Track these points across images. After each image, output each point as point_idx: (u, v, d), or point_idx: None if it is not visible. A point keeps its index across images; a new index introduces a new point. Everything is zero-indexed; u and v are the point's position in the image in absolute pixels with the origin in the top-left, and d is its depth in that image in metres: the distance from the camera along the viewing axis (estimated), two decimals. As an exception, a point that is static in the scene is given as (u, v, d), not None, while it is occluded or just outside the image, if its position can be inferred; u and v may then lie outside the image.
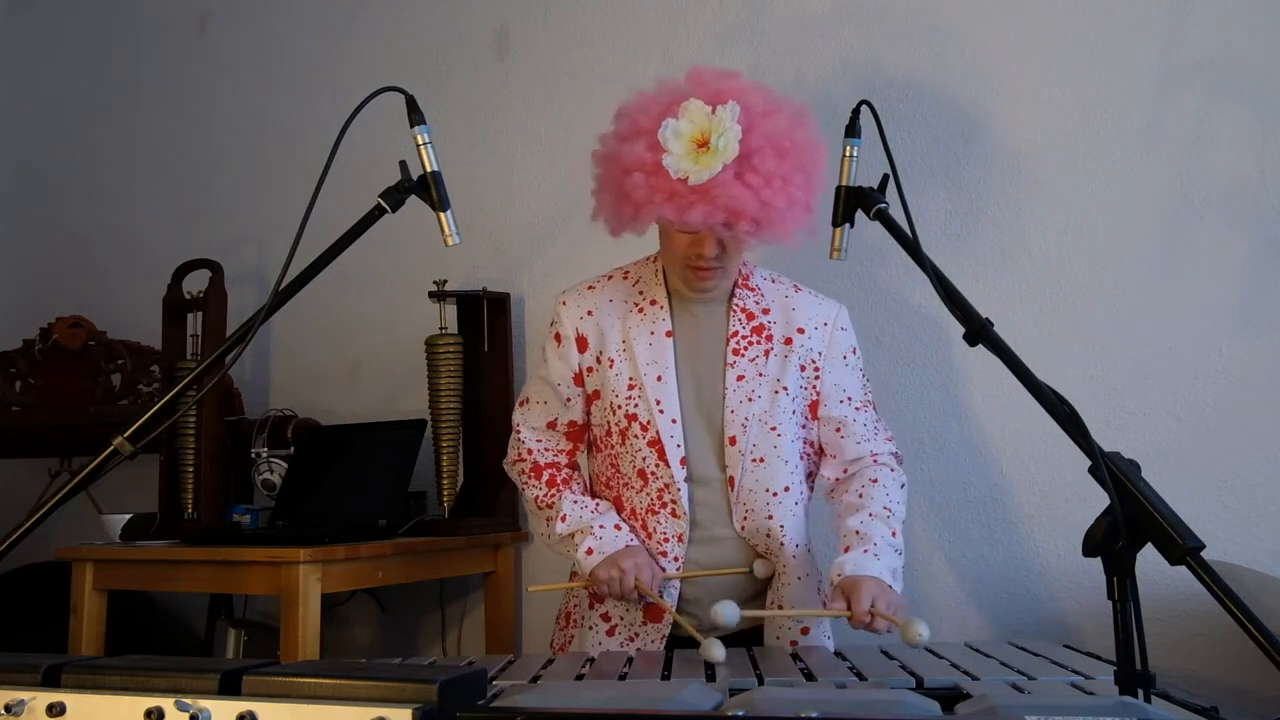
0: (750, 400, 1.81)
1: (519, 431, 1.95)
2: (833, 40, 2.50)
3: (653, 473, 1.82)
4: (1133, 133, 2.26)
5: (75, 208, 3.51)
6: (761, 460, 1.82)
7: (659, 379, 1.81)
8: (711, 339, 1.85)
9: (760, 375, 1.82)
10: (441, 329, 2.67)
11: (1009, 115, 2.35)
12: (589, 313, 1.87)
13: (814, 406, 1.87)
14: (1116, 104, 2.27)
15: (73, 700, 1.02)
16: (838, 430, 1.88)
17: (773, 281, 1.91)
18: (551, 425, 1.92)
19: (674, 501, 1.81)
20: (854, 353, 1.90)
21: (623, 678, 1.42)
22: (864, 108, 1.64)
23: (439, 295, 2.66)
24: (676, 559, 1.82)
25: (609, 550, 1.79)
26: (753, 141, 1.63)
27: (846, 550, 1.77)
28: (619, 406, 1.83)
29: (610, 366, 1.84)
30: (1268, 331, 2.16)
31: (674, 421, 1.80)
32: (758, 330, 1.84)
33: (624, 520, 1.87)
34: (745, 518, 1.82)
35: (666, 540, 1.82)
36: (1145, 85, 2.25)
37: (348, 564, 2.34)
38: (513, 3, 2.88)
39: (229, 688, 1.00)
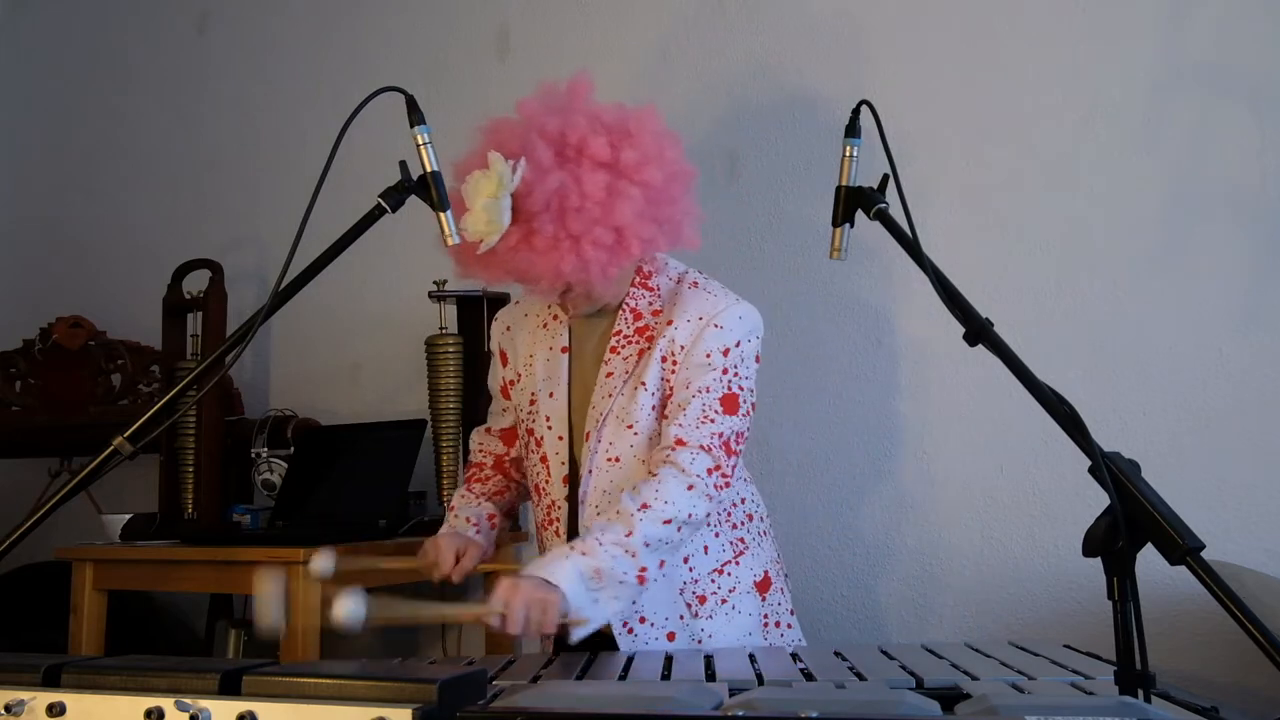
0: (609, 396, 1.75)
1: (471, 437, 2.07)
2: (832, 40, 2.50)
3: (542, 488, 1.83)
4: (1133, 133, 2.26)
5: (75, 208, 3.50)
6: (616, 460, 1.74)
7: (551, 395, 1.81)
8: (597, 345, 1.82)
9: (628, 372, 1.76)
10: (441, 329, 2.67)
11: (1009, 115, 2.35)
12: (507, 329, 1.92)
13: (665, 400, 1.74)
14: (1116, 104, 2.27)
15: (73, 700, 1.02)
16: (665, 414, 1.72)
17: (676, 281, 1.80)
18: (489, 430, 2.01)
19: (557, 520, 1.81)
20: (724, 354, 1.71)
21: (623, 678, 1.42)
22: (864, 107, 1.64)
23: (439, 295, 2.66)
24: (519, 563, 1.85)
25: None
26: (535, 202, 1.59)
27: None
28: (522, 422, 1.87)
29: (518, 382, 1.88)
30: (1268, 331, 2.15)
31: (561, 439, 1.80)
32: (641, 330, 1.77)
33: (536, 533, 1.89)
34: (585, 517, 1.74)
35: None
36: (1145, 86, 2.25)
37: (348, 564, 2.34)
38: (513, 3, 2.88)
39: (229, 688, 1.00)
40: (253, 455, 2.79)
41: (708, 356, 1.71)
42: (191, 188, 3.31)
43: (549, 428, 1.81)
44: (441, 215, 1.64)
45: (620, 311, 1.80)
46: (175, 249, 3.06)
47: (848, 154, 1.62)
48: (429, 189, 1.63)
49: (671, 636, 1.76)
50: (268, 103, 3.21)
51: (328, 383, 3.03)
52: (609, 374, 1.77)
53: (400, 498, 2.59)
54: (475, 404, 2.67)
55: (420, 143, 1.63)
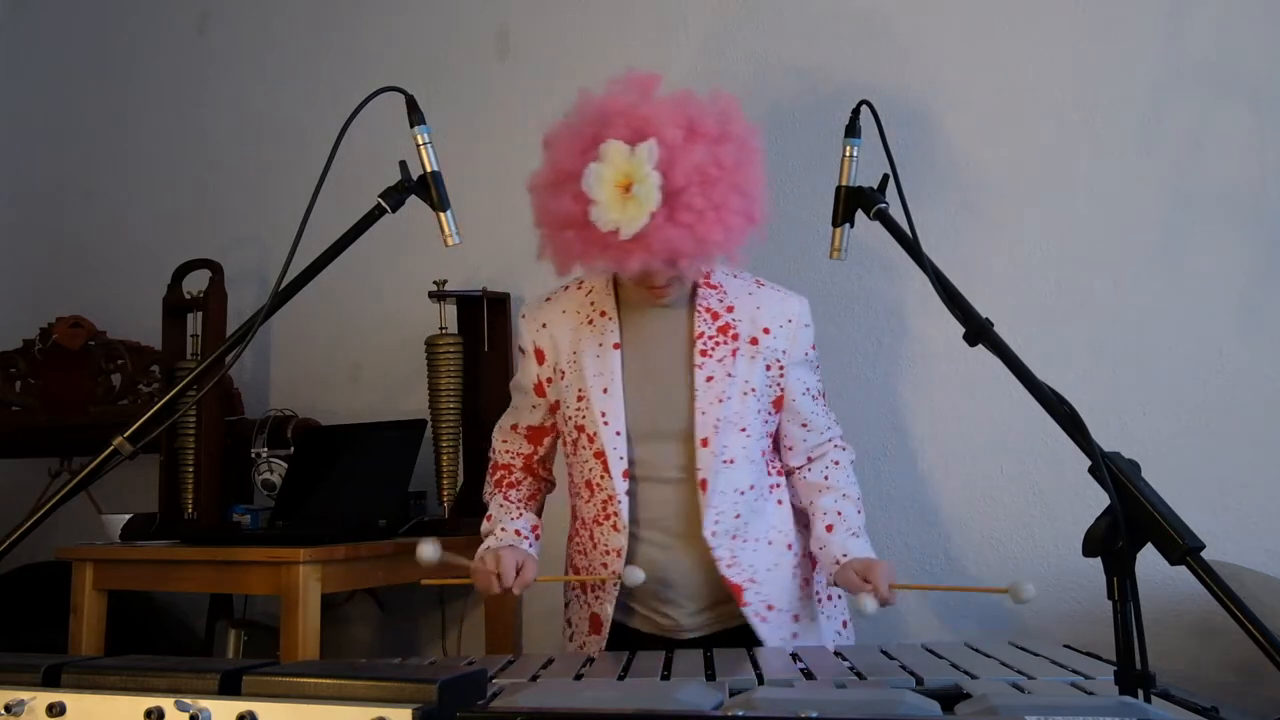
0: (721, 401, 1.80)
1: (494, 434, 2.03)
2: (832, 40, 2.50)
3: (597, 484, 1.84)
4: (1133, 133, 2.26)
5: (76, 208, 3.51)
6: (731, 461, 1.82)
7: (604, 391, 1.81)
8: (673, 343, 1.84)
9: (729, 376, 1.81)
10: (441, 329, 2.68)
11: (1010, 116, 2.35)
12: (544, 325, 1.89)
13: (778, 401, 1.88)
14: (1116, 105, 2.27)
15: (73, 700, 1.02)
16: (804, 425, 1.91)
17: (734, 277, 1.89)
18: (514, 428, 1.97)
19: (615, 514, 1.82)
20: (814, 348, 1.92)
21: (622, 678, 1.42)
22: (864, 107, 1.64)
23: (439, 295, 2.66)
24: (615, 572, 1.82)
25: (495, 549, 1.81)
26: (678, 179, 1.61)
27: (830, 529, 1.85)
28: (569, 418, 1.86)
29: (563, 379, 1.86)
30: (1268, 332, 2.15)
31: (618, 434, 1.80)
32: (724, 329, 1.83)
33: (578, 530, 1.90)
34: (717, 520, 1.81)
35: (608, 553, 1.84)
36: (1145, 86, 2.25)
37: (348, 564, 2.34)
38: (513, 3, 2.88)
39: (229, 688, 1.00)
40: (253, 455, 2.79)
41: (806, 354, 1.90)
42: (192, 188, 3.31)
43: (605, 423, 1.81)
44: (441, 215, 1.64)
45: (695, 313, 1.84)
46: (175, 249, 3.06)
47: (848, 154, 1.63)
48: (429, 189, 1.63)
49: (796, 618, 1.88)
50: (268, 103, 3.21)
51: (328, 383, 3.03)
52: (709, 378, 1.81)
53: (400, 498, 2.59)
54: (475, 404, 2.68)
55: (420, 143, 1.63)
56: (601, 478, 1.82)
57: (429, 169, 1.63)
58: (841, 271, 2.38)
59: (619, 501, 1.80)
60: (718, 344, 1.82)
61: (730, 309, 1.84)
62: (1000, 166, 2.35)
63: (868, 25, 2.47)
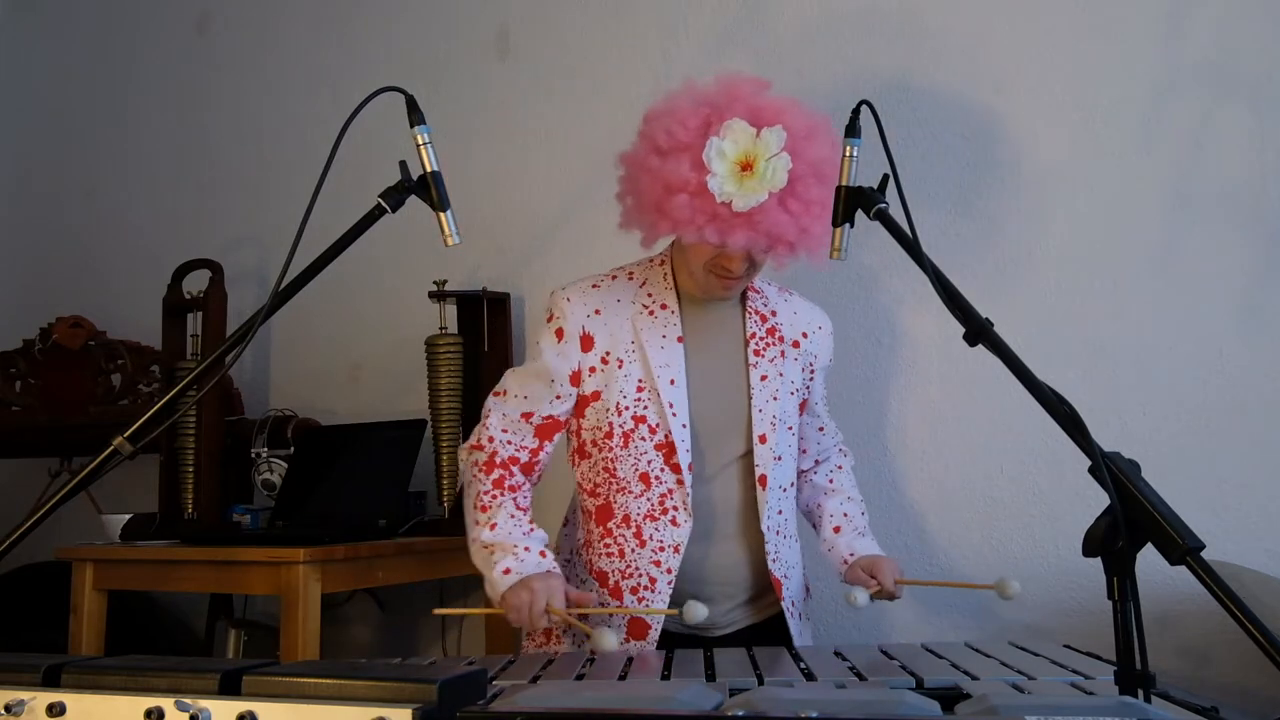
0: (775, 399, 1.85)
1: (488, 417, 1.86)
2: (832, 40, 2.50)
3: (657, 477, 1.80)
4: (1133, 133, 2.26)
5: (76, 208, 3.51)
6: (780, 459, 1.87)
7: (671, 382, 1.80)
8: (729, 341, 1.87)
9: (780, 375, 1.87)
10: (441, 329, 2.68)
11: (1009, 116, 2.35)
12: (596, 311, 1.83)
13: (803, 405, 1.96)
14: (1116, 105, 2.27)
15: (73, 700, 1.02)
16: (820, 429, 2.04)
17: (769, 285, 1.97)
18: (526, 417, 1.83)
19: (675, 509, 1.80)
20: (832, 358, 2.01)
21: (623, 678, 1.42)
22: (864, 107, 1.64)
23: (439, 295, 2.66)
24: (669, 570, 1.80)
25: (526, 574, 1.70)
26: (798, 168, 1.64)
27: (838, 530, 1.95)
28: (625, 408, 1.80)
29: (619, 367, 1.80)
30: (1268, 332, 2.15)
31: (684, 426, 1.79)
32: (771, 332, 1.89)
33: (610, 531, 1.83)
34: (768, 516, 1.85)
35: (662, 549, 1.80)
36: (1145, 86, 2.25)
37: (348, 564, 2.34)
38: (513, 3, 2.88)
39: (229, 688, 1.00)
40: (253, 455, 2.80)
41: (829, 360, 2.00)
42: (192, 188, 3.31)
43: (673, 414, 1.79)
44: (441, 215, 1.63)
45: (746, 314, 1.89)
46: (175, 249, 3.06)
47: (848, 154, 1.62)
48: (429, 189, 1.62)
49: (802, 615, 1.93)
50: (268, 103, 3.21)
51: (328, 383, 3.03)
52: (763, 377, 1.86)
53: (400, 498, 2.59)
54: (475, 404, 2.67)
55: (420, 143, 1.63)
56: (662, 470, 1.80)
57: (429, 169, 1.63)
58: (841, 272, 2.38)
59: (679, 495, 1.80)
60: (768, 345, 1.88)
61: (774, 313, 1.91)
62: (1000, 166, 2.35)
63: (867, 25, 2.47)
